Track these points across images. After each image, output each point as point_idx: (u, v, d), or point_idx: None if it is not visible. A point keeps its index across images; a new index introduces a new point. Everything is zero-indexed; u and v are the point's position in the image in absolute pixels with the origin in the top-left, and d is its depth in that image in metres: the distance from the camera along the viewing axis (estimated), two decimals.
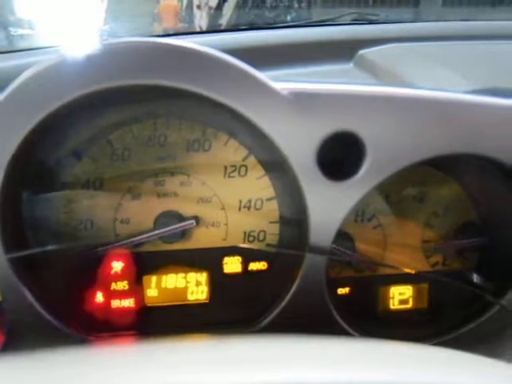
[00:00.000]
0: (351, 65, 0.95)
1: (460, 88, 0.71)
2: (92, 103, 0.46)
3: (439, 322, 0.58)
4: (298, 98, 0.45)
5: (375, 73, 0.89)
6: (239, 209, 0.57)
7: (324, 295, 0.52)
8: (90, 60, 0.42)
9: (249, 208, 0.57)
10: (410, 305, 0.60)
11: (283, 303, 0.53)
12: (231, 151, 0.56)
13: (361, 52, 0.94)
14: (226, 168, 0.56)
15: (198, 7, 2.30)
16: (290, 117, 0.45)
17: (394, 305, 0.60)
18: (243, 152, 0.56)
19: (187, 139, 0.55)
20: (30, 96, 0.42)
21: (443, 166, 0.58)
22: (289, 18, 2.01)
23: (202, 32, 1.80)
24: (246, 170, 0.56)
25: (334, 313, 0.53)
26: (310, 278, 0.51)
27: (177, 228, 0.55)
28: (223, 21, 2.11)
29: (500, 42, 0.98)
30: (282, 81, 0.46)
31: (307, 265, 0.51)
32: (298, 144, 0.46)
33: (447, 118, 0.47)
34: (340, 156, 0.48)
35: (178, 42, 0.42)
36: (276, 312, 0.53)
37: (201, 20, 2.30)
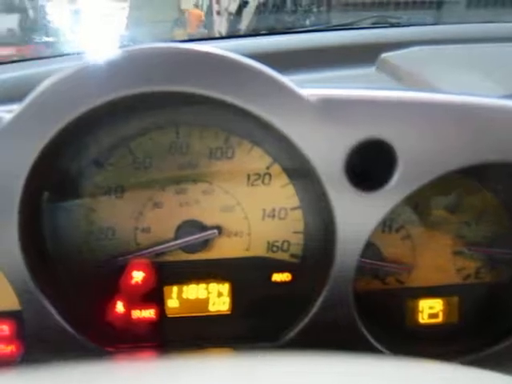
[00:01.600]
0: (373, 69, 0.93)
1: (487, 92, 0.69)
2: (113, 111, 0.45)
3: (471, 339, 0.56)
4: (325, 105, 0.43)
5: (398, 76, 0.86)
6: (263, 218, 0.56)
7: (351, 309, 0.50)
8: (111, 67, 0.41)
9: (273, 217, 0.56)
10: (439, 319, 0.58)
11: (309, 316, 0.51)
12: (255, 159, 0.54)
13: (383, 55, 0.92)
14: (249, 176, 0.55)
15: (218, 13, 2.30)
16: (317, 124, 0.43)
17: (424, 319, 0.58)
18: (267, 160, 0.54)
19: (210, 147, 0.54)
20: (51, 104, 0.41)
21: (475, 175, 0.55)
22: (308, 22, 1.99)
23: (221, 37, 1.80)
24: (270, 179, 0.55)
25: (361, 327, 0.51)
26: (337, 290, 0.49)
27: (199, 238, 0.54)
28: (242, 26, 2.11)
29: None
30: (304, 86, 0.44)
31: (333, 277, 0.49)
32: (326, 152, 0.44)
33: (482, 125, 0.45)
34: (370, 165, 0.46)
35: (200, 47, 0.41)
36: (301, 326, 0.51)
37: (220, 26, 2.30)
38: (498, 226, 0.57)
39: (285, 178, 0.55)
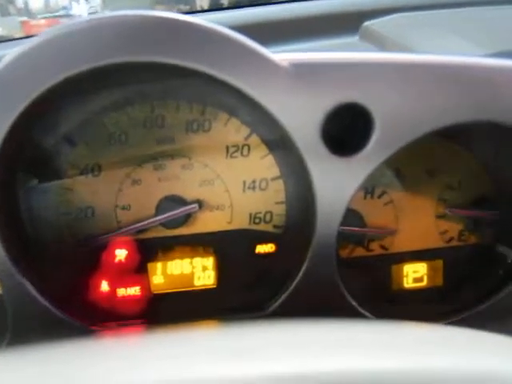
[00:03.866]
0: (357, 37, 0.91)
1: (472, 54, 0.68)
2: (81, 85, 0.44)
3: (455, 300, 0.56)
4: (298, 70, 0.42)
5: (382, 44, 0.86)
6: (243, 190, 0.55)
7: (335, 276, 0.50)
8: (75, 37, 0.40)
9: (253, 189, 0.55)
10: (424, 283, 0.58)
11: (293, 286, 0.51)
12: (232, 131, 0.53)
13: (366, 24, 0.91)
14: (227, 148, 0.54)
15: None
16: (290, 89, 0.42)
17: (408, 283, 0.58)
18: (245, 131, 0.53)
19: (186, 120, 0.53)
20: (14, 80, 0.40)
21: (456, 137, 0.55)
22: None
23: (203, 11, 1.76)
24: (249, 150, 0.54)
25: (346, 294, 0.51)
26: (320, 258, 0.49)
27: (179, 213, 0.53)
28: (225, 0, 2.07)
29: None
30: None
31: (316, 245, 0.49)
32: (301, 118, 0.43)
33: (461, 84, 0.44)
34: (346, 129, 0.45)
35: (167, 14, 0.40)
36: (286, 295, 0.51)
37: (202, 0, 2.25)
38: (479, 188, 0.57)
39: (264, 149, 0.54)
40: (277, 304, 0.52)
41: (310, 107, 0.43)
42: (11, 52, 0.40)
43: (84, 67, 0.41)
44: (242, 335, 0.37)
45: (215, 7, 2.03)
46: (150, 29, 0.40)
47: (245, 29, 0.91)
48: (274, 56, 0.42)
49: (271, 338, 0.36)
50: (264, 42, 0.71)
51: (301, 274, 0.50)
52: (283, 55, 0.42)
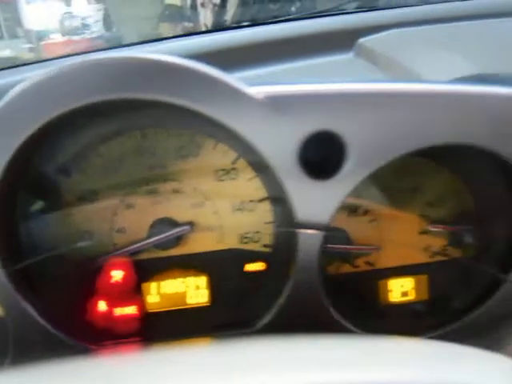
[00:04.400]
0: (351, 54, 0.93)
1: (465, 72, 0.69)
2: (75, 120, 0.47)
3: (441, 313, 0.58)
4: (273, 101, 0.44)
5: (376, 61, 0.87)
6: (232, 211, 0.58)
7: (319, 293, 0.52)
8: (68, 78, 0.43)
9: (242, 210, 0.58)
10: (410, 297, 0.60)
11: (280, 303, 0.53)
12: (220, 155, 0.56)
13: (361, 40, 0.92)
14: (216, 172, 0.57)
15: (202, 5, 2.29)
16: (267, 120, 0.45)
17: (394, 298, 0.60)
18: (232, 155, 0.56)
19: (176, 147, 0.56)
20: (13, 116, 0.43)
21: (435, 156, 0.57)
22: (293, 9, 1.98)
23: (206, 31, 1.79)
24: (237, 173, 0.57)
25: (332, 310, 0.53)
26: (304, 276, 0.51)
27: (171, 234, 0.56)
28: (228, 17, 2.10)
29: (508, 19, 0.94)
30: (258, 83, 0.46)
31: (299, 264, 0.51)
32: (278, 146, 0.46)
33: (426, 110, 0.46)
34: (322, 155, 0.48)
35: (145, 56, 0.43)
36: (273, 312, 0.53)
37: (205, 18, 2.29)
38: (460, 204, 0.58)
39: (251, 172, 0.56)
40: (265, 321, 0.54)
41: (285, 136, 0.45)
42: (18, 86, 0.44)
43: (75, 104, 0.44)
44: (233, 352, 0.39)
45: (218, 26, 2.06)
46: (135, 69, 0.43)
47: (246, 48, 0.94)
48: (250, 89, 0.44)
49: (257, 354, 0.38)
50: (264, 60, 0.74)
51: (287, 291, 0.52)
52: (258, 88, 0.45)
